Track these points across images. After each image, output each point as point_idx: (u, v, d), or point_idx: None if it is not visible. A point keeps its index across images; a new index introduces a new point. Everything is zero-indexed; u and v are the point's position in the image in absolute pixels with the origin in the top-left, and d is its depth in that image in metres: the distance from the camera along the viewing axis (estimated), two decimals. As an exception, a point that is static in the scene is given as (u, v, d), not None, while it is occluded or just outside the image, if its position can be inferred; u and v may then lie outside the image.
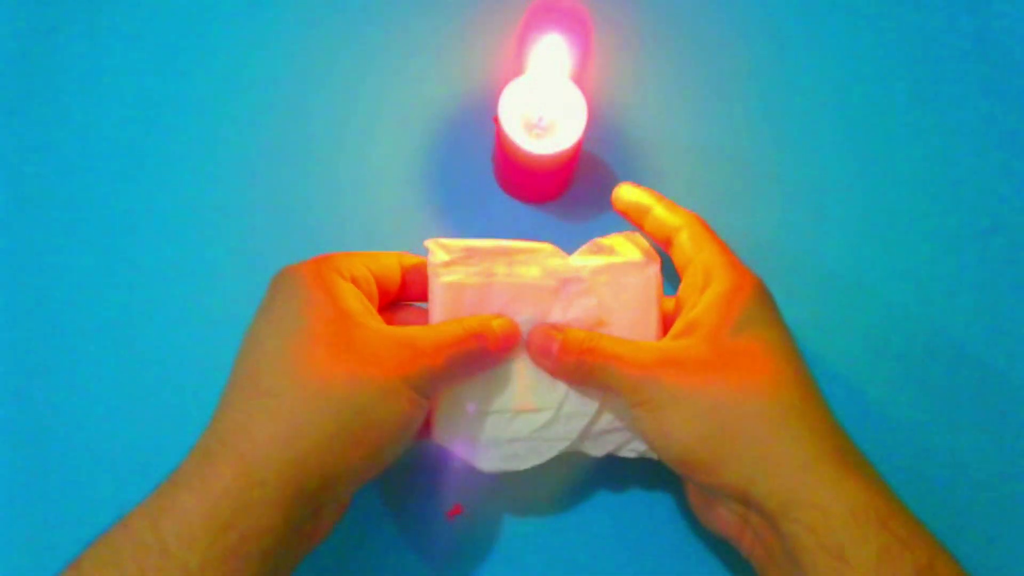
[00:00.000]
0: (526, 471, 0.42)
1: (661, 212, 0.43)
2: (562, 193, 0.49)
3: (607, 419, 0.41)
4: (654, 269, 0.42)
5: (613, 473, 0.44)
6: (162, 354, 0.45)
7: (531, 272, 0.41)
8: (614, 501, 0.44)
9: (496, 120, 0.44)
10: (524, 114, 0.45)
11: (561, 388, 0.41)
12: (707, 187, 0.49)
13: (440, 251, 0.41)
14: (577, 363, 0.39)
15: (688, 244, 0.42)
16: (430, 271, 0.41)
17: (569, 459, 0.43)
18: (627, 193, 0.44)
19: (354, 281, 0.38)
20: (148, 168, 0.49)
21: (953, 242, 0.49)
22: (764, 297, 0.39)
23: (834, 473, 0.34)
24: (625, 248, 0.42)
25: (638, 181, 0.49)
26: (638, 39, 0.52)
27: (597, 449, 0.41)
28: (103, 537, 0.32)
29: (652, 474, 0.44)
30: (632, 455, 0.41)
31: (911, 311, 0.47)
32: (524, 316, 0.41)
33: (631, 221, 0.45)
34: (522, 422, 0.40)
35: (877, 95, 0.51)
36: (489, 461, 0.40)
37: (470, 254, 0.41)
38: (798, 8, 0.53)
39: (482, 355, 0.39)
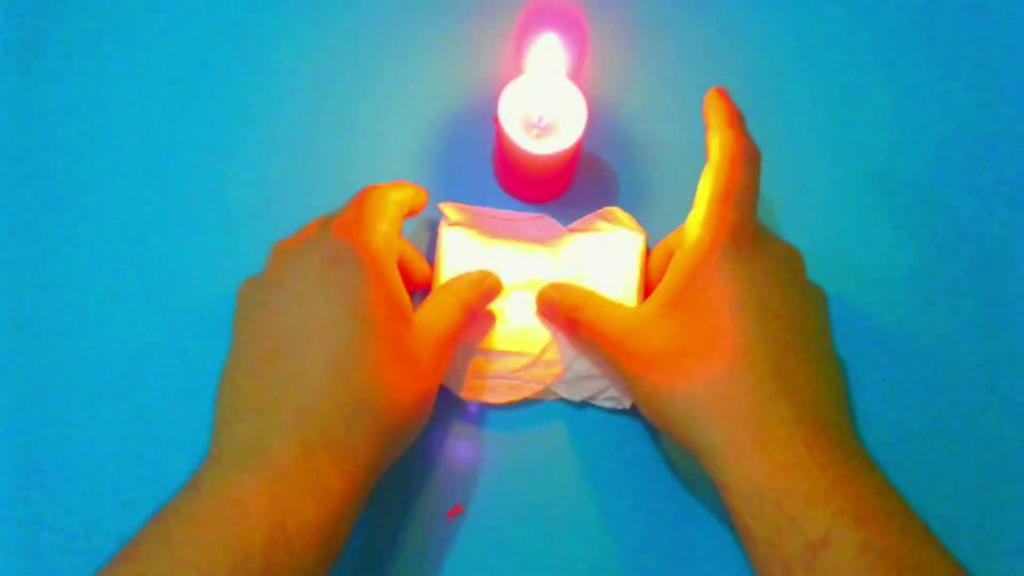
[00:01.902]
0: (527, 470, 0.43)
1: (710, 140, 0.42)
2: (562, 193, 0.49)
3: (584, 366, 0.44)
4: (639, 240, 0.46)
5: (614, 471, 0.44)
6: (160, 347, 0.45)
7: (529, 236, 0.46)
8: (615, 501, 0.44)
9: (496, 120, 0.44)
10: (524, 114, 0.45)
11: (544, 337, 0.45)
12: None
13: (452, 212, 0.46)
14: (567, 321, 0.43)
15: (699, 189, 0.41)
16: (442, 229, 0.46)
17: (568, 457, 0.44)
18: (709, 103, 0.42)
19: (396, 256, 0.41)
20: (153, 167, 0.49)
21: (952, 240, 0.49)
22: (732, 249, 0.38)
23: (738, 456, 0.36)
24: (615, 222, 0.47)
25: (638, 181, 0.49)
26: (637, 39, 0.52)
27: (574, 394, 0.44)
28: (227, 523, 0.33)
29: (654, 473, 0.44)
30: (608, 404, 0.44)
31: (909, 308, 0.47)
32: (521, 273, 0.46)
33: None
34: (505, 362, 0.44)
35: (876, 96, 0.51)
36: (470, 391, 0.44)
37: (477, 217, 0.46)
38: (796, 7, 0.53)
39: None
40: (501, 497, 0.43)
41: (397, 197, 0.42)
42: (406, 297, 0.40)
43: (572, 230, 0.47)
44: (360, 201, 0.41)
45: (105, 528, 0.42)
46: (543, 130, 0.45)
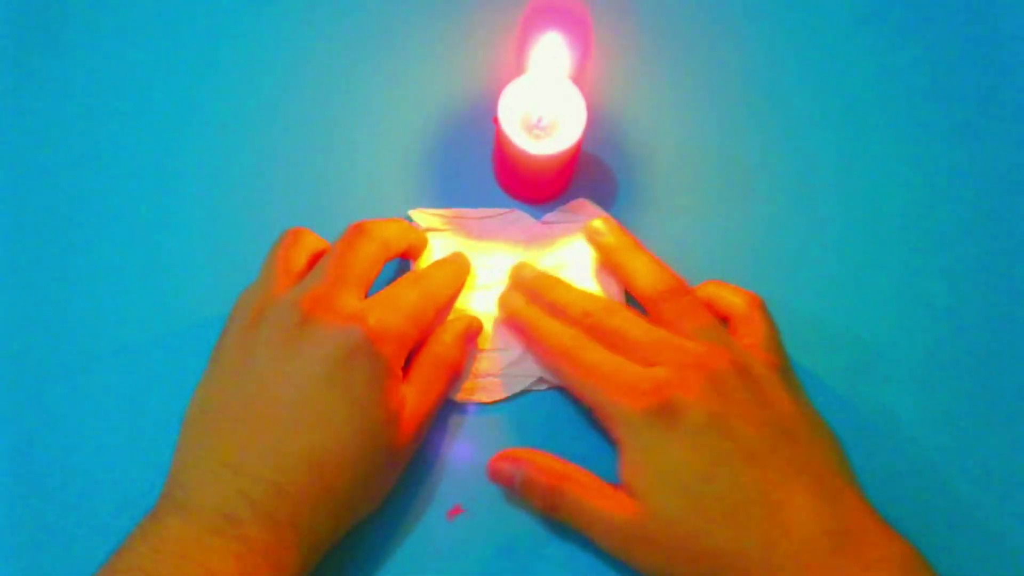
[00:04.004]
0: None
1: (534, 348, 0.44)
2: (562, 193, 0.49)
3: None
4: None
5: (615, 472, 0.44)
6: (161, 347, 0.45)
7: (503, 231, 0.47)
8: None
9: (496, 120, 0.44)
10: (524, 114, 0.45)
11: None
12: (705, 187, 0.49)
13: (424, 218, 0.47)
14: (546, 503, 0.41)
15: (572, 391, 0.43)
16: None
17: (568, 452, 0.44)
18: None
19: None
20: (153, 168, 0.49)
21: (949, 242, 0.49)
22: (642, 432, 0.39)
23: None
24: (587, 213, 0.47)
25: (637, 181, 0.49)
26: (638, 40, 0.52)
27: None
28: None
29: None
30: None
31: (904, 311, 0.47)
32: (500, 269, 0.46)
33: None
34: (493, 359, 0.45)
35: (876, 99, 0.51)
36: (463, 392, 0.44)
37: (449, 220, 0.47)
38: (798, 10, 0.53)
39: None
40: (501, 497, 0.43)
41: (449, 281, 0.44)
42: (401, 394, 0.40)
43: (545, 223, 0.47)
44: (413, 310, 0.41)
45: (105, 528, 0.42)
46: (543, 130, 0.45)
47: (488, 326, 0.45)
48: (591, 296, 0.44)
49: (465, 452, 0.44)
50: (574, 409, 0.45)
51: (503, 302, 0.45)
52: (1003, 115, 0.51)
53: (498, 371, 0.45)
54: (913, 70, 0.52)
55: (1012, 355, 0.47)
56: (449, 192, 0.48)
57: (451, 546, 0.42)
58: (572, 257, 0.46)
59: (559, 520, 0.41)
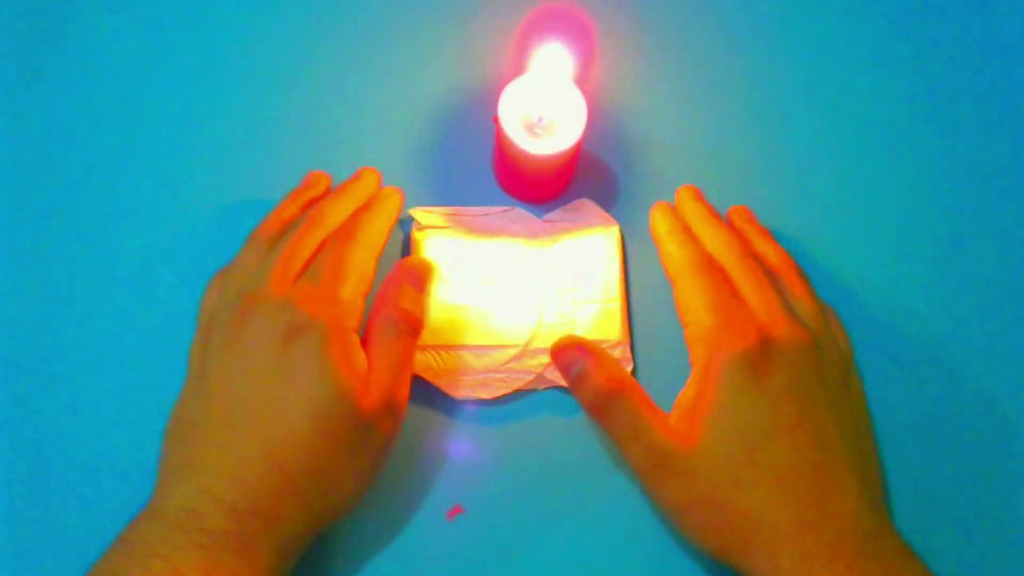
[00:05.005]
0: (527, 467, 0.43)
1: (667, 249, 0.44)
2: (562, 193, 0.49)
3: None
4: (614, 229, 0.47)
5: (616, 472, 0.44)
6: (161, 346, 0.45)
7: (505, 229, 0.47)
8: (616, 501, 0.44)
9: (496, 120, 0.44)
10: (524, 114, 0.45)
11: (529, 328, 0.45)
12: (706, 188, 0.49)
13: (424, 216, 0.47)
14: (596, 405, 0.41)
15: (682, 300, 0.42)
16: (416, 235, 0.47)
17: (568, 451, 0.44)
18: (654, 220, 0.46)
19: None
20: (155, 166, 0.49)
21: (952, 242, 0.49)
22: (735, 368, 0.39)
23: None
24: (589, 213, 0.48)
25: (638, 182, 0.49)
26: (639, 40, 0.52)
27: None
28: None
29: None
30: None
31: (908, 310, 0.47)
32: (501, 267, 0.46)
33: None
34: (494, 355, 0.45)
35: (875, 100, 0.51)
36: (462, 389, 0.44)
37: (449, 217, 0.47)
38: (799, 14, 0.53)
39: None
40: (501, 497, 0.43)
41: (380, 225, 0.43)
42: (356, 359, 0.39)
43: (547, 221, 0.48)
44: (337, 261, 0.41)
45: (105, 528, 0.42)
46: (543, 130, 0.45)
47: (491, 323, 0.45)
48: (736, 238, 0.44)
49: (465, 452, 0.44)
50: (574, 409, 0.45)
51: (652, 212, 0.46)
52: (1001, 114, 0.51)
53: (498, 368, 0.45)
54: (912, 70, 0.52)
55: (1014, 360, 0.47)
56: (449, 191, 0.48)
57: (451, 546, 0.42)
58: (577, 257, 0.46)
59: (601, 424, 0.41)
